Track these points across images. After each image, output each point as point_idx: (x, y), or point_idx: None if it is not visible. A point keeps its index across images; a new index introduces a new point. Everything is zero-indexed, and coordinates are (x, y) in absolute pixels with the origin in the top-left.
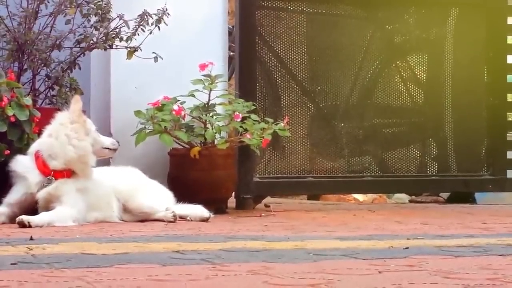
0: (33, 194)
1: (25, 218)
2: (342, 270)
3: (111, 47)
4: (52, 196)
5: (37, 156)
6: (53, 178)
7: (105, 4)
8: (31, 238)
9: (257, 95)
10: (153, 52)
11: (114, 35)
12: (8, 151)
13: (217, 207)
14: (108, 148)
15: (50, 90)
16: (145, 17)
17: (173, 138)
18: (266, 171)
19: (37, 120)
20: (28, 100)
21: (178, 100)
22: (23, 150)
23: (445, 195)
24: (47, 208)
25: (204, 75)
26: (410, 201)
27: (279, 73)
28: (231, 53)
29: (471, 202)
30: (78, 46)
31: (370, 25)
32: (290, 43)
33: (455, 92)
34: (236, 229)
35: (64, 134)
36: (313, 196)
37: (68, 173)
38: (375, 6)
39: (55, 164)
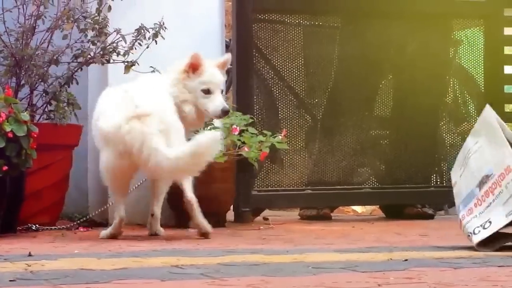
0: None
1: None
2: (341, 283)
3: (108, 61)
4: None
5: None
6: None
7: (102, 18)
8: (30, 254)
9: (255, 108)
10: (151, 66)
11: (111, 50)
12: (6, 167)
13: (215, 220)
14: None
15: (48, 105)
16: (142, 31)
17: None
18: (265, 184)
19: (35, 136)
20: (25, 116)
21: None
22: (20, 166)
23: None
24: None
25: None
26: None
27: (277, 86)
28: (229, 66)
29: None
30: (75, 61)
31: (367, 37)
32: (287, 55)
33: (454, 103)
34: (235, 243)
35: None
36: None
37: None
38: (373, 18)
39: None
